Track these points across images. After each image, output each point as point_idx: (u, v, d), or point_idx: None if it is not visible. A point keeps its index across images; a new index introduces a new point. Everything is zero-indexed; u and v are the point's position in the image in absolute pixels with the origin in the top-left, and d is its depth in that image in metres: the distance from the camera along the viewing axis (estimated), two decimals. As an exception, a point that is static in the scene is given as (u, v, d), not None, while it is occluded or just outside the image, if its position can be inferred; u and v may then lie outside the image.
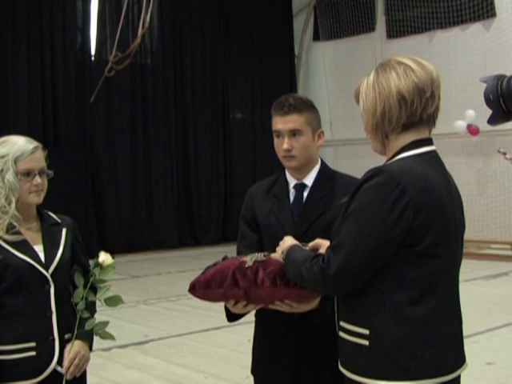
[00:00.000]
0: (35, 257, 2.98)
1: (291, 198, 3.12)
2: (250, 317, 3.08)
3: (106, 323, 3.15)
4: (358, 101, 2.51)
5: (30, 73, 13.82)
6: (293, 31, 17.98)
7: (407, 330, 2.29)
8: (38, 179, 3.00)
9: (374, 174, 2.31)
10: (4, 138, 3.03)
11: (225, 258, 2.85)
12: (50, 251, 3.03)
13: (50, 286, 2.98)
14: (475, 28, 14.29)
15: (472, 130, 13.40)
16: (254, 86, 17.22)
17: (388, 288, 2.31)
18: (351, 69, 15.62)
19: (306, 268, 2.38)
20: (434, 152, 2.43)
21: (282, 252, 2.57)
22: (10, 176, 2.92)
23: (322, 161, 3.19)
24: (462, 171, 14.12)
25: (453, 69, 14.13)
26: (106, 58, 13.99)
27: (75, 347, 3.03)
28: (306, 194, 3.10)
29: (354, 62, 15.56)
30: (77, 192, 14.09)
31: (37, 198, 3.04)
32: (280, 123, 3.05)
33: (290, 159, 3.06)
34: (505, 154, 12.77)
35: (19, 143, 3.00)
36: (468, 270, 11.35)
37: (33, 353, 2.94)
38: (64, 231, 3.15)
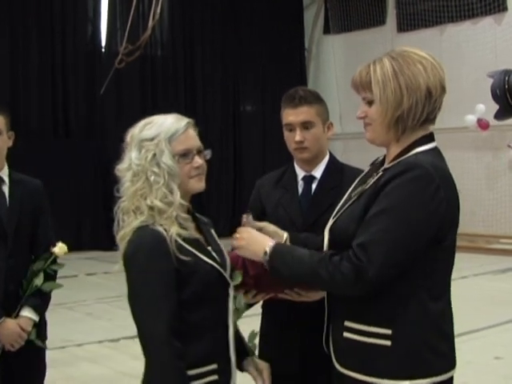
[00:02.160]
0: (215, 260, 2.45)
1: (300, 189, 3.13)
2: (257, 309, 3.08)
3: (256, 334, 2.76)
4: (362, 89, 2.44)
5: (41, 64, 13.84)
6: (303, 24, 17.92)
7: (430, 326, 2.29)
8: (198, 160, 2.46)
9: (406, 168, 2.25)
10: (147, 120, 2.50)
11: (233, 249, 2.85)
12: (219, 254, 2.51)
13: (228, 295, 2.48)
14: (486, 22, 14.22)
15: (482, 124, 13.35)
16: (265, 78, 17.18)
17: (414, 285, 2.28)
18: (361, 62, 15.26)
19: (326, 269, 2.24)
20: (437, 147, 2.42)
21: (265, 253, 2.41)
22: (166, 159, 2.38)
23: (330, 153, 3.20)
24: (471, 165, 14.09)
25: (463, 63, 14.07)
26: (117, 50, 13.94)
27: (267, 368, 2.59)
28: (314, 186, 3.12)
29: (365, 55, 15.40)
30: (87, 183, 14.11)
31: (199, 184, 2.51)
32: (291, 115, 3.07)
33: (303, 151, 3.08)
34: (515, 148, 12.74)
35: (168, 121, 2.46)
36: (477, 264, 11.33)
37: (214, 377, 2.38)
38: (213, 231, 2.66)
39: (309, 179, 3.13)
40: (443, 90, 2.35)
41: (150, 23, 12.56)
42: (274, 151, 16.15)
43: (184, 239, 2.36)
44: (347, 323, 2.36)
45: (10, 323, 3.47)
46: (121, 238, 2.43)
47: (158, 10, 12.28)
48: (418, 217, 2.21)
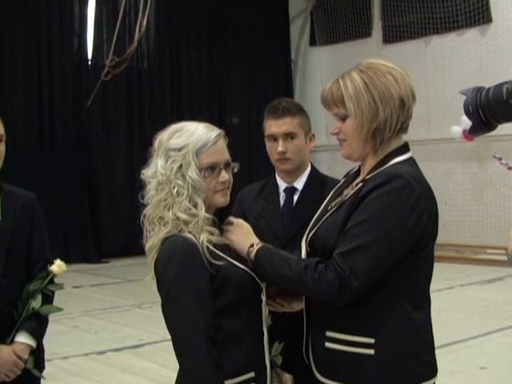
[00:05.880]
0: (247, 265, 2.42)
1: (281, 201, 3.15)
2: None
3: (280, 346, 2.67)
4: (334, 105, 2.40)
5: (27, 76, 13.82)
6: (289, 36, 17.98)
7: (412, 335, 2.31)
8: (225, 175, 2.41)
9: (387, 179, 2.25)
10: (177, 126, 2.44)
11: None
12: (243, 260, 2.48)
13: (262, 300, 2.45)
14: (471, 34, 14.31)
15: (468, 135, 13.40)
16: (251, 90, 17.22)
17: (396, 294, 2.29)
18: (347, 74, 15.58)
19: (312, 276, 2.24)
20: (412, 157, 2.43)
21: (252, 245, 2.42)
22: (192, 172, 2.34)
23: (312, 165, 3.22)
24: (457, 176, 14.15)
25: (448, 74, 14.16)
26: (103, 62, 13.97)
27: (290, 380, 2.59)
28: (296, 197, 3.14)
29: (351, 67, 15.51)
30: (73, 196, 14.06)
31: (223, 199, 2.45)
32: (274, 126, 3.10)
33: (285, 162, 3.10)
34: (500, 159, 12.78)
35: (198, 131, 2.40)
36: (463, 274, 11.38)
37: None
38: None
39: (290, 191, 3.15)
40: (414, 98, 2.38)
41: (137, 36, 12.60)
42: (261, 163, 16.15)
43: (214, 245, 2.34)
44: (329, 333, 2.37)
45: (5, 350, 3.05)
46: (149, 248, 2.41)
47: (144, 23, 12.32)
48: (398, 228, 2.22)
